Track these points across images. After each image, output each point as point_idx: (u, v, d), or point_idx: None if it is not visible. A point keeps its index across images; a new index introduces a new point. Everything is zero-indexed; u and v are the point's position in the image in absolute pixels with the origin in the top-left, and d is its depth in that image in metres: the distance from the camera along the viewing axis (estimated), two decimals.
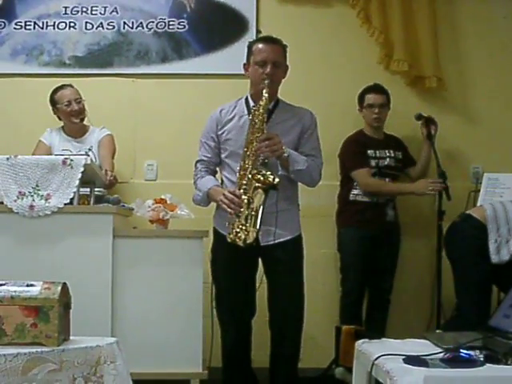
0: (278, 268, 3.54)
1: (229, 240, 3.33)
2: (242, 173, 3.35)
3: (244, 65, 3.58)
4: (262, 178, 3.27)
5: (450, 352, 2.30)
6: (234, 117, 3.57)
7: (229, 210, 3.30)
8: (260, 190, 3.27)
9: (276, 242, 3.46)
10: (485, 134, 4.75)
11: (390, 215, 4.45)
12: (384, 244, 4.40)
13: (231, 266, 3.53)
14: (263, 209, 3.26)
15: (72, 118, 4.36)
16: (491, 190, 4.27)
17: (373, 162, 4.42)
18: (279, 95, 3.62)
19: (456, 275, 3.91)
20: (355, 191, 4.41)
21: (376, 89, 4.47)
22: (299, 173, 3.46)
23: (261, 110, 3.37)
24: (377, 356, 2.34)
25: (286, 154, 3.36)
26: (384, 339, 2.72)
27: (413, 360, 2.23)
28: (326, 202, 4.64)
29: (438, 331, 3.09)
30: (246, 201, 3.28)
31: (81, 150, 4.32)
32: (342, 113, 4.71)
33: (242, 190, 3.31)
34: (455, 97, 4.80)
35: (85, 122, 4.45)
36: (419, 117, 4.49)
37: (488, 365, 2.21)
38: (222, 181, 3.61)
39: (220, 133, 3.57)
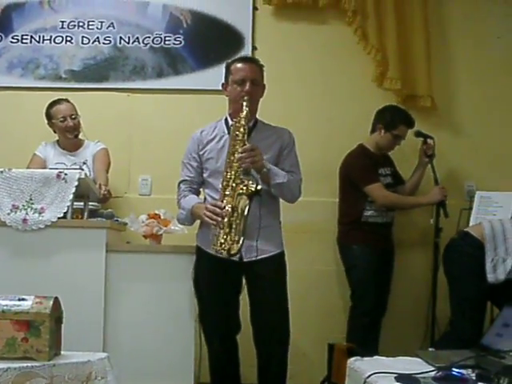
0: (260, 284, 3.52)
1: (212, 251, 3.31)
2: (224, 183, 3.36)
3: (222, 84, 3.61)
4: (244, 188, 3.26)
5: (442, 370, 2.30)
6: (214, 137, 3.60)
7: (211, 221, 3.30)
8: (244, 196, 3.26)
9: (259, 257, 3.45)
10: (477, 152, 4.77)
11: (392, 234, 4.47)
12: (387, 263, 4.41)
13: (214, 283, 3.53)
14: (248, 214, 3.24)
15: (66, 133, 4.37)
16: (483, 209, 4.28)
17: (388, 179, 4.44)
18: (265, 111, 3.64)
19: (452, 292, 3.93)
20: (367, 212, 4.34)
21: (412, 124, 4.45)
22: (280, 186, 3.47)
23: (242, 122, 3.39)
24: (369, 374, 2.32)
25: (266, 168, 3.39)
26: (376, 357, 2.71)
27: (405, 378, 2.22)
28: (319, 219, 4.65)
29: (430, 349, 3.07)
30: (229, 210, 3.27)
31: (75, 164, 4.32)
32: (336, 130, 4.73)
33: (224, 201, 3.31)
34: (447, 115, 4.82)
35: (80, 137, 4.46)
36: (418, 134, 4.49)
37: None
38: (205, 199, 3.61)
39: (202, 153, 3.60)
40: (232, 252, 3.25)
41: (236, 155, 3.33)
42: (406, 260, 4.62)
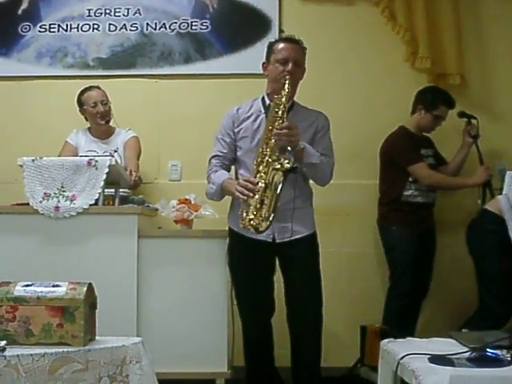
0: (293, 265, 3.54)
1: (241, 226, 3.29)
2: (259, 159, 3.33)
3: (263, 64, 3.59)
4: (279, 165, 3.24)
5: (476, 351, 2.28)
6: (250, 115, 3.58)
7: (242, 196, 3.27)
8: (279, 172, 3.24)
9: (292, 238, 3.45)
10: (508, 131, 4.70)
11: (433, 215, 4.43)
12: (428, 244, 4.37)
13: (248, 265, 3.53)
14: (280, 192, 3.22)
15: (98, 119, 4.39)
16: None
17: (430, 160, 4.41)
18: (296, 98, 3.61)
19: (478, 272, 3.97)
20: (407, 192, 4.32)
21: (453, 105, 4.41)
22: (312, 166, 3.45)
23: (283, 100, 3.37)
24: (402, 355, 2.32)
25: (301, 146, 3.37)
26: (409, 338, 2.70)
27: (438, 359, 2.21)
28: (357, 201, 4.63)
29: (463, 330, 3.06)
30: (262, 186, 3.25)
31: (106, 152, 4.33)
32: (364, 111, 4.70)
33: (258, 177, 3.30)
34: (478, 94, 4.76)
35: (111, 124, 4.48)
36: (462, 114, 4.44)
37: None
38: (236, 178, 3.59)
39: (237, 130, 3.58)
40: (260, 229, 3.24)
41: (274, 131, 3.32)
42: (451, 242, 4.52)
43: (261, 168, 3.31)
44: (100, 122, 4.39)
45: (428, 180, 4.30)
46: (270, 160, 3.29)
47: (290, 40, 3.59)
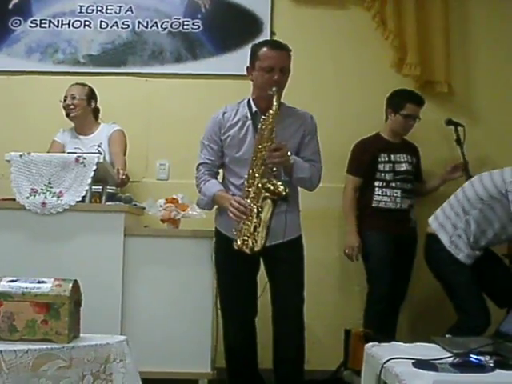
0: (279, 266, 3.54)
1: (236, 247, 3.32)
2: (250, 181, 3.34)
3: (247, 68, 3.53)
4: (271, 188, 3.27)
5: (459, 357, 2.29)
6: (237, 122, 3.54)
7: (235, 218, 3.30)
8: (269, 201, 3.27)
9: (277, 242, 3.44)
10: (495, 138, 4.74)
11: (412, 221, 4.44)
12: (405, 250, 4.36)
13: (233, 265, 3.52)
14: (270, 219, 3.27)
15: (65, 112, 4.39)
16: None
17: (386, 167, 4.38)
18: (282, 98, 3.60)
19: (446, 291, 4.05)
20: (377, 197, 4.35)
21: (419, 101, 4.43)
22: (301, 180, 3.49)
23: (270, 120, 3.34)
24: (386, 359, 2.32)
25: (291, 161, 3.38)
26: (393, 343, 2.71)
27: (422, 364, 2.22)
28: (336, 205, 4.63)
29: (447, 336, 3.07)
30: (255, 210, 3.28)
31: (91, 147, 4.33)
32: (354, 115, 4.71)
33: (249, 200, 3.31)
34: (464, 101, 4.79)
35: (99, 121, 4.48)
36: (449, 122, 4.46)
37: (498, 370, 2.19)
38: (224, 183, 3.60)
39: (223, 137, 3.55)
40: (256, 249, 3.29)
41: (263, 153, 3.31)
42: None
43: (251, 189, 3.32)
44: (66, 116, 4.39)
45: (344, 193, 4.42)
46: (260, 185, 3.30)
47: (275, 46, 3.51)
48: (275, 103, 3.34)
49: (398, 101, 4.42)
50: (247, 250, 3.29)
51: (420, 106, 4.43)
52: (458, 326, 3.88)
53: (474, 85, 4.81)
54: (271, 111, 3.34)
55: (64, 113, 4.40)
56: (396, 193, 4.33)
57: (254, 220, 3.28)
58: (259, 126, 3.39)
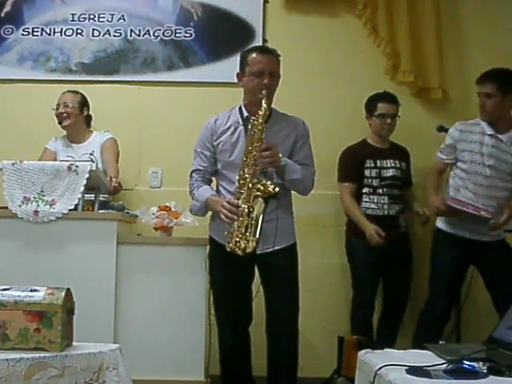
0: (272, 274, 3.55)
1: (228, 249, 3.34)
2: (241, 182, 3.36)
3: (237, 74, 3.57)
4: (262, 188, 3.30)
5: (453, 363, 2.29)
6: (229, 128, 3.57)
7: (227, 219, 3.32)
8: (260, 199, 3.29)
9: (273, 249, 3.45)
10: None
11: (402, 226, 4.43)
12: (396, 254, 4.35)
13: (227, 273, 3.54)
14: (263, 218, 3.29)
15: (58, 120, 4.39)
16: None
17: (373, 173, 4.38)
18: (274, 104, 3.61)
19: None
20: (364, 204, 4.36)
21: (389, 98, 4.43)
22: (294, 182, 3.49)
23: (260, 120, 3.37)
24: (379, 366, 2.32)
25: (282, 163, 3.39)
26: (386, 349, 2.71)
27: (416, 371, 2.21)
28: (329, 212, 4.64)
29: (440, 342, 3.07)
30: (245, 210, 3.30)
31: (83, 155, 4.32)
32: (347, 123, 4.71)
33: (240, 200, 3.32)
34: (459, 107, 4.79)
35: (91, 129, 4.48)
36: (440, 128, 4.45)
37: (491, 377, 2.19)
38: (218, 190, 3.62)
39: (216, 143, 3.58)
40: (247, 250, 3.30)
41: (254, 153, 3.33)
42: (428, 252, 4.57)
43: (243, 190, 3.34)
44: (59, 124, 4.38)
45: (343, 202, 4.42)
46: (250, 185, 3.32)
47: (263, 50, 3.58)
48: (264, 104, 3.37)
49: (371, 103, 4.45)
50: (240, 252, 3.30)
51: (392, 103, 4.43)
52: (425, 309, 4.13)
53: (470, 91, 4.80)
54: (260, 112, 3.37)
55: (56, 121, 4.40)
56: (383, 199, 4.33)
57: (246, 220, 3.30)
58: (249, 128, 3.41)
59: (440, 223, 4.16)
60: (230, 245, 3.33)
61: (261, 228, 3.28)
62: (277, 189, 3.29)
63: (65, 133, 4.48)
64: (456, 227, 4.07)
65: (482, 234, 4.03)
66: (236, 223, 3.30)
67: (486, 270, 4.12)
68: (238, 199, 3.34)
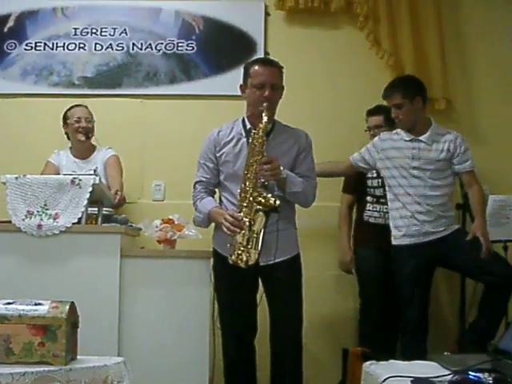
0: (276, 286, 3.55)
1: (230, 262, 3.35)
2: (242, 195, 3.37)
3: (240, 86, 3.59)
4: (263, 201, 3.30)
5: (458, 374, 2.29)
6: (231, 139, 3.58)
7: (229, 232, 3.33)
8: (261, 213, 3.29)
9: (275, 261, 3.45)
10: (492, 155, 4.74)
11: None
12: None
13: (231, 286, 3.54)
14: (264, 231, 3.29)
15: (78, 134, 4.40)
16: (497, 212, 4.28)
17: (375, 182, 4.40)
18: (277, 116, 3.62)
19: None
20: (367, 213, 4.39)
21: (372, 111, 4.48)
22: (295, 194, 3.49)
23: (260, 133, 3.37)
24: (384, 378, 2.32)
25: (283, 176, 3.39)
26: (392, 361, 2.70)
27: (421, 382, 2.22)
28: (332, 223, 4.64)
29: (445, 353, 3.06)
30: (247, 223, 3.30)
31: (86, 171, 4.32)
32: (349, 135, 4.71)
33: (242, 213, 3.33)
34: (463, 118, 4.81)
35: (93, 142, 4.49)
36: None
37: None
38: (221, 201, 3.62)
39: (218, 155, 3.59)
40: (250, 263, 3.30)
41: (255, 166, 3.34)
42: None
43: (244, 204, 3.35)
44: (81, 138, 4.40)
45: (339, 212, 4.49)
46: (251, 198, 3.33)
47: (265, 63, 3.59)
48: (265, 117, 3.38)
49: (366, 118, 4.51)
50: (242, 265, 3.31)
51: (375, 115, 4.46)
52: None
53: (474, 101, 4.83)
54: (261, 125, 3.38)
55: (75, 135, 4.41)
56: (386, 208, 4.32)
57: (247, 233, 3.31)
58: (250, 141, 3.42)
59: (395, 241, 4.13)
60: (233, 257, 3.34)
61: (262, 241, 3.29)
62: (278, 202, 3.29)
63: (68, 146, 4.49)
64: (411, 237, 4.05)
65: (434, 234, 4.03)
66: (238, 236, 3.31)
67: (456, 264, 4.11)
68: (240, 212, 3.34)
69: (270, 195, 3.31)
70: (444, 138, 4.06)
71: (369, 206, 4.40)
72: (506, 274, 3.91)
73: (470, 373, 2.28)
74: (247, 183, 3.36)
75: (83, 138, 4.41)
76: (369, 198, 4.41)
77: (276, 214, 3.32)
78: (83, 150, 4.47)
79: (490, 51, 4.84)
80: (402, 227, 4.03)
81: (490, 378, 2.26)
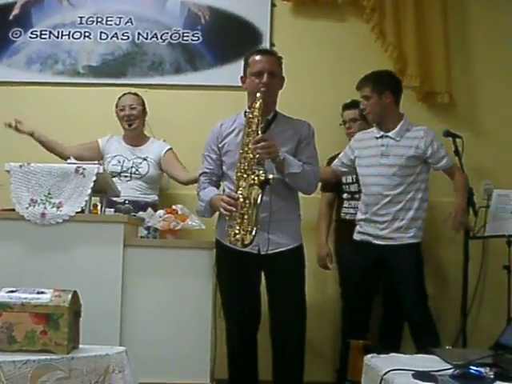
0: (278, 277, 3.55)
1: (228, 243, 3.37)
2: (238, 174, 3.38)
3: (241, 77, 3.63)
4: (256, 178, 3.29)
5: (459, 368, 2.29)
6: (233, 130, 3.61)
7: (225, 212, 3.33)
8: (255, 187, 3.29)
9: (275, 251, 3.46)
10: (495, 150, 4.75)
11: None
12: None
13: (234, 276, 3.56)
14: (259, 204, 3.27)
15: (123, 122, 4.47)
16: (502, 207, 4.26)
17: (349, 179, 4.42)
18: (280, 107, 3.64)
19: None
20: (344, 210, 4.43)
21: (347, 105, 4.51)
22: (294, 176, 3.47)
23: (255, 113, 3.39)
24: (386, 371, 2.32)
25: (281, 157, 3.39)
26: (393, 354, 2.70)
27: (422, 376, 2.21)
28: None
29: (447, 347, 3.07)
30: (241, 200, 3.30)
31: (136, 158, 4.43)
32: None
33: (239, 192, 3.34)
34: (466, 112, 4.81)
35: (146, 133, 4.57)
36: (447, 133, 4.42)
37: (498, 382, 2.19)
38: (224, 191, 3.63)
39: (221, 145, 3.62)
40: (245, 242, 3.30)
41: (250, 146, 3.34)
42: (435, 257, 4.57)
43: (241, 183, 3.36)
44: (125, 126, 4.47)
45: (319, 210, 4.52)
46: (246, 176, 3.33)
47: (263, 52, 3.66)
48: (259, 99, 3.39)
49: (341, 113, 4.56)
50: (239, 245, 3.31)
51: (350, 108, 4.49)
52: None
53: (476, 95, 4.82)
54: (255, 105, 3.40)
55: (122, 123, 4.47)
56: None
57: (243, 210, 3.30)
58: (245, 122, 3.45)
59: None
60: (230, 238, 3.34)
61: (257, 216, 3.27)
62: (270, 175, 3.28)
63: (121, 134, 4.55)
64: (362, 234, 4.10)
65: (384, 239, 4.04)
66: (234, 216, 3.31)
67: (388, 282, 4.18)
68: (237, 192, 3.35)
69: (261, 171, 3.29)
70: (414, 134, 4.04)
71: (345, 203, 4.44)
72: (420, 319, 3.97)
73: (472, 367, 2.28)
74: (242, 162, 3.38)
75: (127, 126, 4.47)
76: (345, 195, 4.44)
77: (269, 186, 3.28)
78: (134, 137, 4.52)
79: (493, 46, 4.83)
80: (360, 223, 4.09)
81: (492, 373, 2.26)
